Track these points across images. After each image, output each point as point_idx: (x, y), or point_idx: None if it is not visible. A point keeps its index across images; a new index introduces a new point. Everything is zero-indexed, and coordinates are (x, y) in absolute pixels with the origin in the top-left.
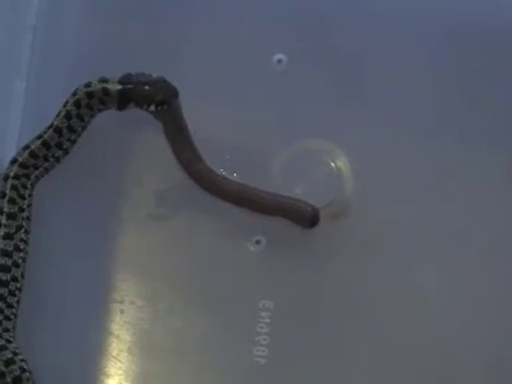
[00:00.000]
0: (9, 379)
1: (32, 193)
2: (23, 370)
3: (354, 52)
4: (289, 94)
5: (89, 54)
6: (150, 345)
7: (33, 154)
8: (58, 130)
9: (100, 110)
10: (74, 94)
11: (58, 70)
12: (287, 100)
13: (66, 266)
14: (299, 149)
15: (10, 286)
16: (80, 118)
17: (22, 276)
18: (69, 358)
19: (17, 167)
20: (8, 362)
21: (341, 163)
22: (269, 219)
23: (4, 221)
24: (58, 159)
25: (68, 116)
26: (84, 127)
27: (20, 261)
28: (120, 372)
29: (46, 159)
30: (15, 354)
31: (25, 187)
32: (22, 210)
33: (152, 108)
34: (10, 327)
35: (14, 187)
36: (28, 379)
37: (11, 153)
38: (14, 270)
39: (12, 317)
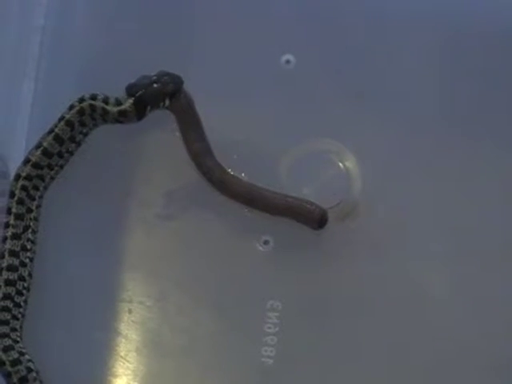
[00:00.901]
0: (15, 379)
1: (43, 194)
2: (30, 370)
3: (361, 53)
4: (297, 94)
5: (97, 55)
6: (158, 345)
7: (46, 152)
8: (69, 124)
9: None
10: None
11: (66, 71)
12: (295, 100)
13: (74, 265)
14: (307, 149)
15: (18, 286)
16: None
17: (30, 275)
18: (77, 357)
19: (29, 167)
20: (14, 362)
21: (349, 164)
22: (277, 219)
23: (12, 221)
24: (71, 153)
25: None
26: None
27: (27, 260)
28: (128, 372)
29: (60, 156)
30: (22, 353)
31: (36, 189)
32: (30, 210)
33: (167, 102)
34: (17, 327)
35: (23, 188)
36: (35, 379)
37: (19, 153)
38: (21, 269)
39: (19, 316)
